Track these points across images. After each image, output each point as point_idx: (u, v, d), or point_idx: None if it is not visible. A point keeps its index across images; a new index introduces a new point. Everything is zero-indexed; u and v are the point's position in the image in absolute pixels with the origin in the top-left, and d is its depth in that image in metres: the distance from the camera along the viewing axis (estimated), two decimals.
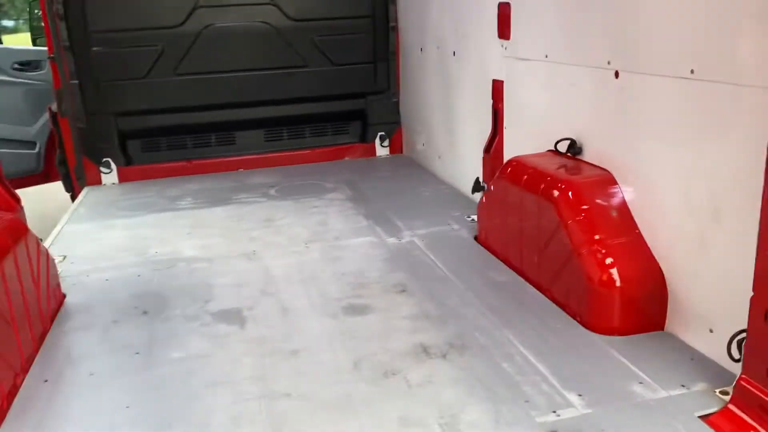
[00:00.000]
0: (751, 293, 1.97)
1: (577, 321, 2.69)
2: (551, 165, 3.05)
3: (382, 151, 6.04)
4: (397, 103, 5.98)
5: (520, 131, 3.71)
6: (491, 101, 3.96)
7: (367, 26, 5.79)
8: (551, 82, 3.29)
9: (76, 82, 5.19)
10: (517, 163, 3.24)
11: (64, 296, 3.17)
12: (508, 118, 3.81)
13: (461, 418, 2.10)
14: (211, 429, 2.10)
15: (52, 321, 2.91)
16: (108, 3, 5.23)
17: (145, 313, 2.98)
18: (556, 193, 2.84)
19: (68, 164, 5.49)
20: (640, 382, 2.25)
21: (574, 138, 3.09)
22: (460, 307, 2.89)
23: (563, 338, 2.58)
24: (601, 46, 2.84)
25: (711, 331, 2.35)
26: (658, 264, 2.58)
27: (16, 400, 2.32)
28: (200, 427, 2.12)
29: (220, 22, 5.47)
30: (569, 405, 2.14)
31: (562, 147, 3.15)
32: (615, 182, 2.79)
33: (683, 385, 2.21)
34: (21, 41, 8.50)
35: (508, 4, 3.62)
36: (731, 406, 2.04)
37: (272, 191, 4.95)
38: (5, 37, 7.58)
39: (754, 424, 1.94)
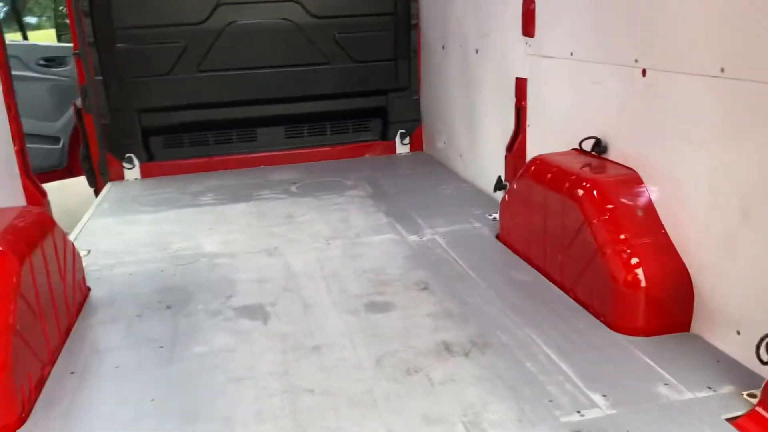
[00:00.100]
0: None
1: (601, 321, 2.67)
2: (576, 164, 3.03)
3: (402, 148, 6.04)
4: (418, 101, 5.97)
5: (543, 129, 3.69)
6: (514, 99, 3.94)
7: (389, 24, 5.78)
8: (576, 80, 3.27)
9: (101, 78, 5.24)
10: (540, 161, 3.22)
11: (89, 290, 3.21)
12: (531, 117, 3.79)
13: (484, 416, 2.09)
14: (235, 423, 2.12)
15: (77, 314, 2.95)
16: (132, 0, 5.28)
17: (168, 307, 3.01)
18: (580, 191, 2.82)
19: (92, 160, 5.56)
20: (666, 384, 2.23)
21: (599, 136, 3.07)
22: (482, 306, 2.88)
23: (587, 338, 2.56)
24: (628, 44, 2.81)
25: (738, 332, 2.32)
26: (684, 264, 2.55)
27: (43, 390, 2.35)
28: (224, 421, 2.13)
29: (243, 19, 5.50)
30: (594, 405, 2.12)
31: (587, 146, 3.12)
32: (641, 181, 2.76)
33: (709, 387, 2.19)
34: (43, 37, 8.60)
35: (533, 1, 3.59)
36: (759, 409, 2.01)
37: (293, 188, 4.97)
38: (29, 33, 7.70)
39: None
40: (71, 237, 3.87)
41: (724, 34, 2.26)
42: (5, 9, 7.59)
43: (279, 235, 3.92)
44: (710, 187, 2.40)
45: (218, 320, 2.86)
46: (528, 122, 3.82)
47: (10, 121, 3.94)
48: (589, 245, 2.73)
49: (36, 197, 4.03)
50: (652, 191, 2.72)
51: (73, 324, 2.86)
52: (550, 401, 2.16)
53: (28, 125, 6.31)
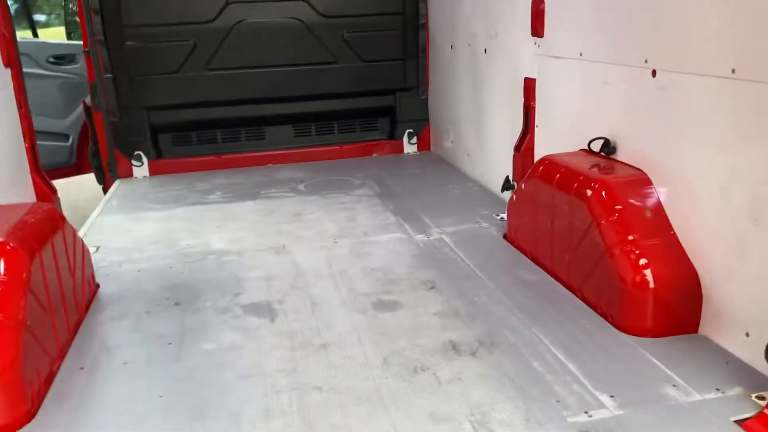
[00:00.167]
0: None
1: (609, 321, 2.67)
2: (584, 164, 3.02)
3: (410, 148, 6.05)
4: (426, 101, 5.98)
5: (551, 130, 3.68)
6: (522, 99, 3.94)
7: (398, 23, 5.79)
8: (585, 80, 3.26)
9: (110, 75, 5.27)
10: (549, 161, 3.21)
11: (98, 286, 3.23)
12: (539, 117, 3.79)
13: (492, 416, 2.09)
14: (243, 420, 2.13)
15: (86, 310, 2.97)
16: None
17: (176, 304, 3.02)
18: (589, 192, 2.82)
19: (101, 157, 5.58)
20: (674, 385, 2.22)
21: (608, 137, 3.06)
22: (489, 305, 2.88)
23: (594, 338, 2.56)
24: (638, 45, 2.81)
25: (747, 335, 2.32)
26: (693, 266, 2.54)
27: (53, 386, 2.37)
28: (233, 418, 2.14)
29: (252, 17, 5.52)
30: (601, 406, 2.12)
31: (596, 146, 3.12)
32: (650, 182, 2.76)
33: (718, 389, 2.18)
34: (52, 35, 8.65)
35: (542, 1, 3.59)
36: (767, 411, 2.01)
37: (301, 186, 4.98)
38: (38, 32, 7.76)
39: None
40: (80, 234, 3.89)
41: (736, 35, 2.26)
42: (15, 6, 7.63)
43: (287, 233, 3.93)
44: (720, 188, 2.39)
45: (226, 317, 2.87)
46: (536, 122, 3.81)
47: (21, 117, 3.96)
48: (597, 246, 2.72)
49: (46, 194, 4.05)
50: (661, 192, 2.71)
51: (82, 320, 2.87)
52: (558, 401, 2.16)
53: (38, 122, 6.34)
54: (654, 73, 2.71)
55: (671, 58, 2.60)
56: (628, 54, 2.87)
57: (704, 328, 2.53)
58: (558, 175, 3.07)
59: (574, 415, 2.08)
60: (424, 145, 6.05)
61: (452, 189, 4.78)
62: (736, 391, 2.17)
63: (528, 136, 3.90)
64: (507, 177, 4.19)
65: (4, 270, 2.27)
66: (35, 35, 7.31)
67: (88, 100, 5.58)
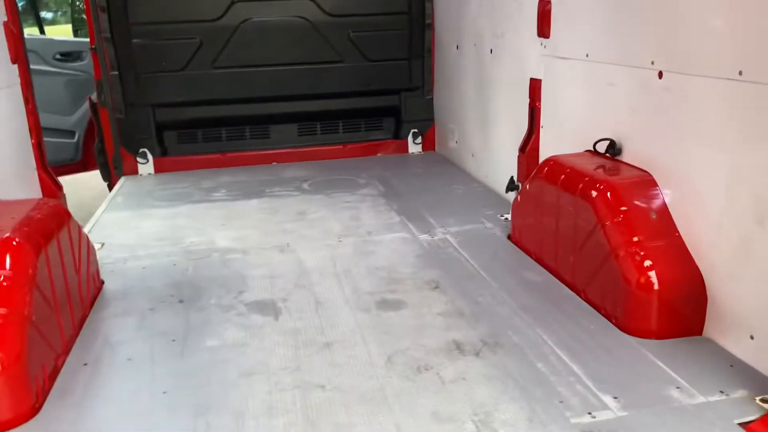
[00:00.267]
0: None
1: (613, 323, 2.66)
2: (589, 165, 3.02)
3: (414, 147, 6.05)
4: (431, 101, 5.97)
5: (557, 131, 3.68)
6: (528, 100, 3.93)
7: (403, 23, 5.79)
8: (592, 81, 3.26)
9: (116, 73, 5.28)
10: (554, 162, 3.21)
11: (102, 282, 3.24)
12: (545, 118, 3.78)
13: (495, 416, 2.09)
14: (247, 417, 2.13)
15: (91, 306, 2.97)
16: None
17: (181, 301, 3.02)
18: (594, 193, 2.81)
19: (106, 154, 5.60)
20: (678, 387, 2.22)
21: (613, 138, 3.06)
22: (493, 306, 2.88)
23: (598, 340, 2.56)
24: (644, 46, 2.80)
25: (752, 337, 2.31)
26: (697, 268, 2.54)
27: (57, 381, 2.38)
28: (236, 415, 2.14)
29: (258, 16, 5.53)
30: (605, 407, 2.12)
31: (601, 147, 3.11)
32: (655, 184, 2.75)
33: (722, 391, 2.18)
34: (57, 32, 8.67)
35: (549, 2, 3.59)
36: None
37: (305, 185, 4.99)
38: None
39: None
40: (85, 230, 3.90)
41: (743, 37, 2.25)
42: (22, 3, 7.65)
43: (291, 232, 3.93)
44: (725, 190, 2.39)
45: (230, 315, 2.87)
46: (542, 123, 3.81)
47: (27, 114, 3.98)
48: (601, 247, 2.72)
49: (52, 190, 4.06)
50: (667, 194, 2.70)
51: (87, 316, 2.88)
52: (561, 402, 2.15)
53: (44, 119, 6.36)
54: (660, 74, 2.70)
55: (678, 60, 2.60)
56: (635, 55, 2.86)
57: (709, 330, 2.53)
58: (563, 176, 3.07)
59: (577, 416, 2.08)
60: (428, 145, 6.05)
61: (457, 189, 4.78)
62: (740, 393, 2.17)
63: (533, 136, 3.90)
64: (512, 177, 4.18)
65: (10, 265, 2.28)
66: (42, 32, 7.33)
67: (94, 97, 5.59)
